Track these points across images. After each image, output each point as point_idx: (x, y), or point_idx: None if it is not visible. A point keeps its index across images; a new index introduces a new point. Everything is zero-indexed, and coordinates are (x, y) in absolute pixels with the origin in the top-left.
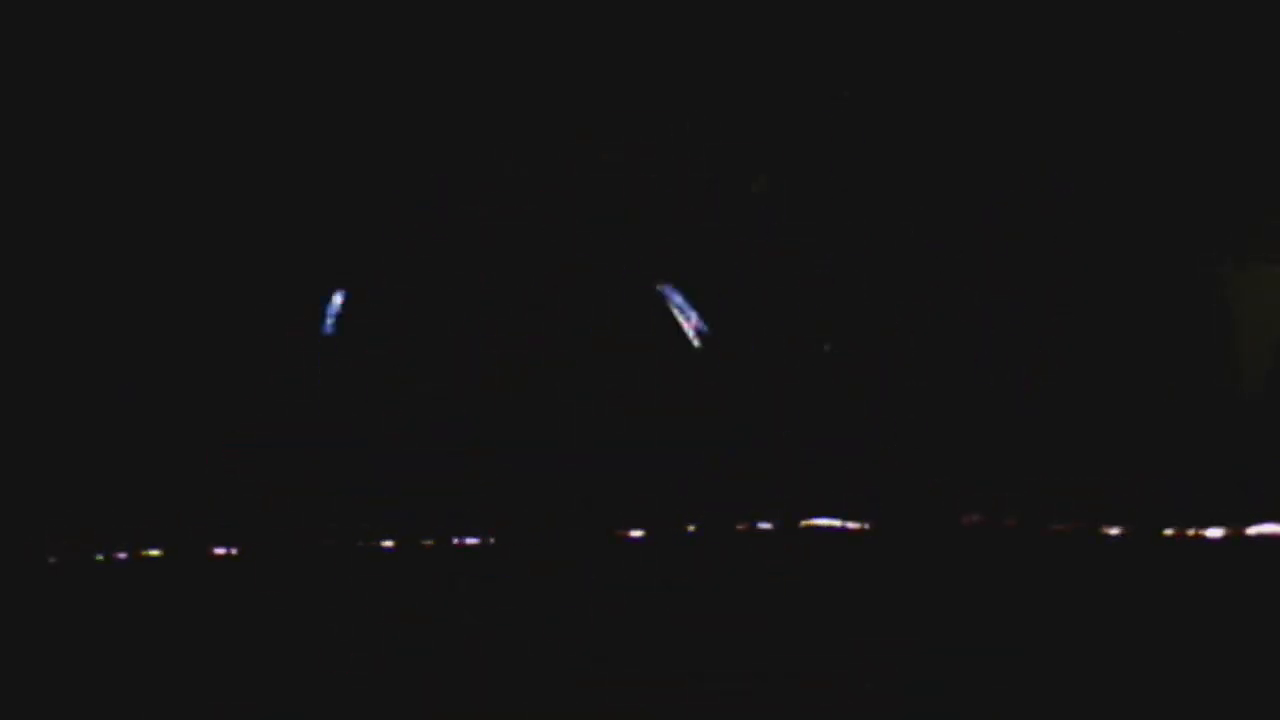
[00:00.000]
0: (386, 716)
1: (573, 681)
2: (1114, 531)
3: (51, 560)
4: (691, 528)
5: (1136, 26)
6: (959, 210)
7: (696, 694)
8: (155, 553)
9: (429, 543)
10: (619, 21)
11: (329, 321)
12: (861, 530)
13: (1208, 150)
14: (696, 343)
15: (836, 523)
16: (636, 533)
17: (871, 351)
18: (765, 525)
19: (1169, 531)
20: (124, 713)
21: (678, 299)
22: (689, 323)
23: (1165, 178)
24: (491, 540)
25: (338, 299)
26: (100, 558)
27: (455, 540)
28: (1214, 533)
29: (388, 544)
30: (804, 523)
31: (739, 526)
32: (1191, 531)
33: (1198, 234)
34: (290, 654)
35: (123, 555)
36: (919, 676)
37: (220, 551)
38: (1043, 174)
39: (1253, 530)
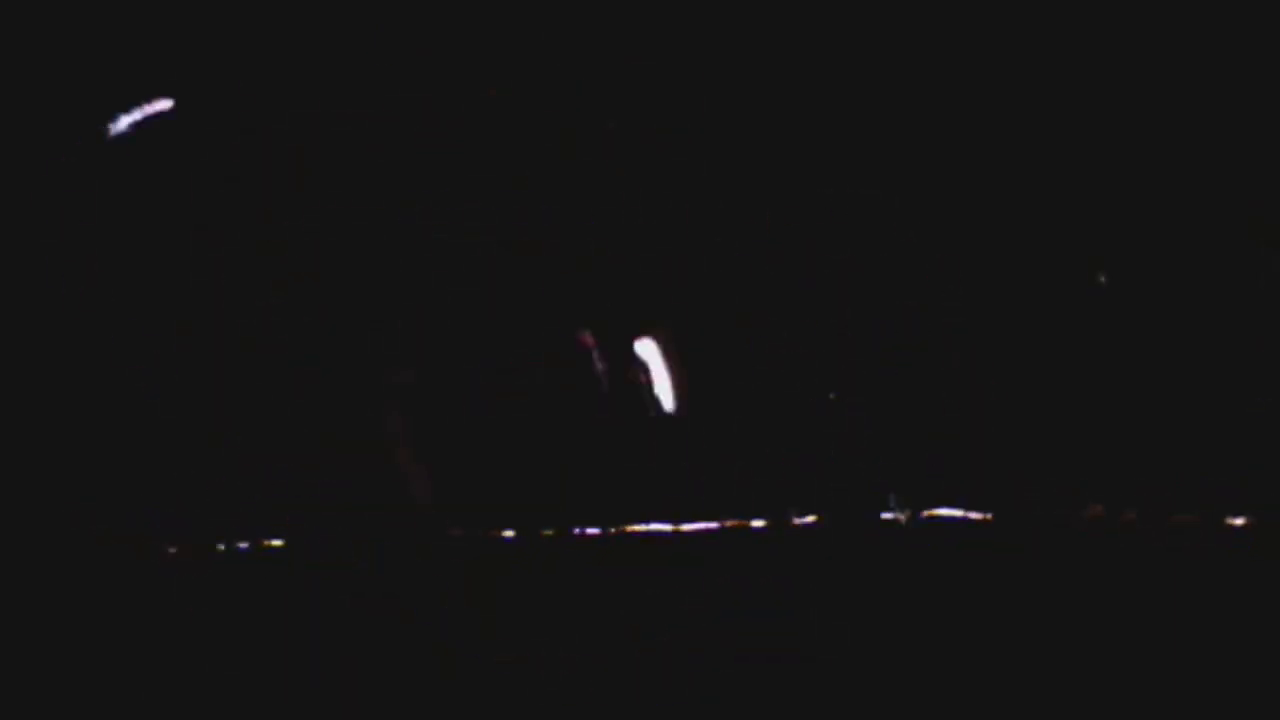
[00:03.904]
0: None
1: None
2: (1238, 523)
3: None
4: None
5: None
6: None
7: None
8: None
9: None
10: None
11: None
12: (985, 521)
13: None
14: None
15: (959, 513)
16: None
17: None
18: (886, 515)
19: None
20: None
21: None
22: None
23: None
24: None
25: None
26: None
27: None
28: None
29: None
30: (928, 513)
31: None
32: None
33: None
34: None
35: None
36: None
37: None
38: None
39: None
